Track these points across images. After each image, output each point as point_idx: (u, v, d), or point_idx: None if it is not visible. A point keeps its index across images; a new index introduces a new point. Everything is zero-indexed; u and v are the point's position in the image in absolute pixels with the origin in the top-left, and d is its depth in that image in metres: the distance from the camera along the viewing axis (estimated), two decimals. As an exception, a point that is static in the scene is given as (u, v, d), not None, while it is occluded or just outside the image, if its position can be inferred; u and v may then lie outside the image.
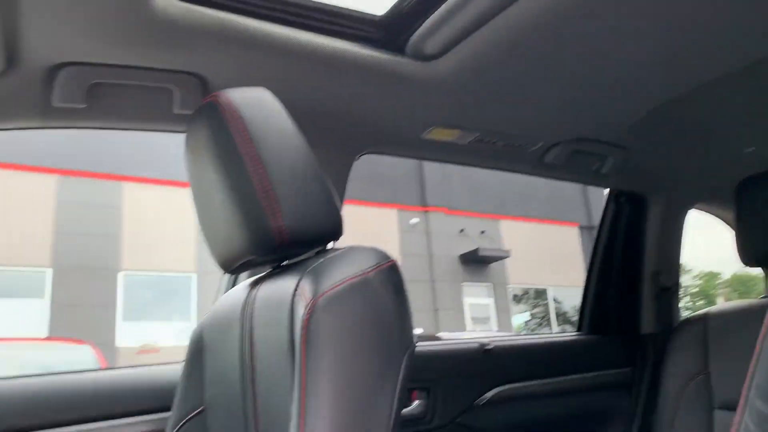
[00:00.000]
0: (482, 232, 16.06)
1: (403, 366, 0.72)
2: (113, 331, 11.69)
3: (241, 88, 0.86)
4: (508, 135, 1.42)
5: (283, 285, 0.78)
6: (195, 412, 0.97)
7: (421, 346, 1.58)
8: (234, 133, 0.79)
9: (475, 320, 15.28)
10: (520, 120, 1.38)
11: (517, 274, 16.25)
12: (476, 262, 15.81)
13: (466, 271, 15.79)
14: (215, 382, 0.93)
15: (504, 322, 15.61)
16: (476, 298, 15.79)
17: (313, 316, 0.69)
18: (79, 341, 7.28)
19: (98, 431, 1.11)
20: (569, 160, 1.55)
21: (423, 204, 15.82)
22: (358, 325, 0.70)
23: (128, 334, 11.80)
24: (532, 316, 16.49)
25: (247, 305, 0.87)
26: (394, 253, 15.49)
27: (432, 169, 15.45)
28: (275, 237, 0.78)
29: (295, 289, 0.74)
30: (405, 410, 1.45)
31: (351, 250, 0.79)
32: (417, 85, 1.21)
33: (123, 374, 1.23)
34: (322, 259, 0.77)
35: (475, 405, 1.53)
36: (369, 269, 0.74)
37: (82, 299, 11.56)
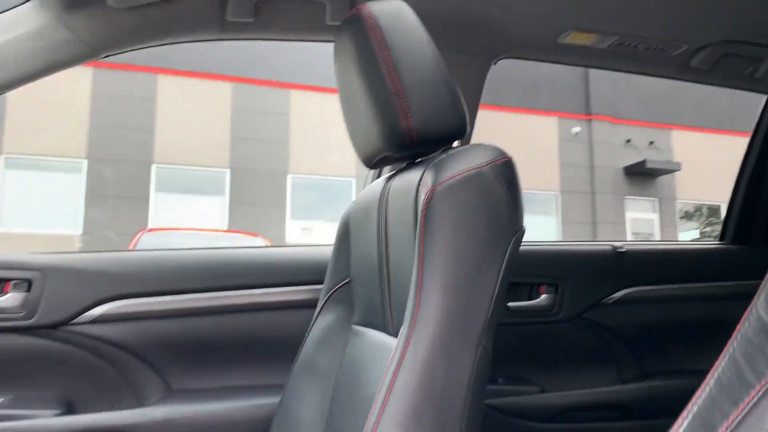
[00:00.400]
0: (651, 143, 15.05)
1: (509, 248, 0.82)
2: (283, 228, 12.79)
3: (383, 0, 0.95)
4: (649, 38, 1.38)
5: (411, 177, 0.90)
6: (342, 282, 1.15)
7: (552, 245, 1.65)
8: (373, 43, 0.90)
9: (637, 236, 14.65)
10: (662, 21, 1.33)
11: (688, 189, 15.17)
12: (642, 175, 14.95)
13: (630, 184, 15.03)
14: (358, 259, 1.10)
15: (669, 239, 14.81)
16: (639, 212, 15.07)
17: (431, 202, 0.80)
18: (253, 234, 8.14)
19: (265, 295, 1.35)
20: (718, 64, 1.47)
21: (586, 112, 15.06)
22: (469, 211, 0.80)
23: (295, 231, 12.86)
24: (703, 234, 15.44)
25: (383, 195, 1.00)
26: (552, 163, 15.08)
27: (598, 75, 14.54)
28: (405, 136, 0.90)
29: (420, 180, 0.85)
30: (532, 302, 1.56)
31: (471, 147, 0.88)
32: None
33: (287, 252, 1.46)
34: (444, 156, 0.87)
35: (603, 303, 1.59)
36: (484, 164, 0.83)
37: (255, 198, 12.71)
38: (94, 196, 11.80)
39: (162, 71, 12.15)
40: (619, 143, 15.04)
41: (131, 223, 11.52)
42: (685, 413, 0.45)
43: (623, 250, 1.63)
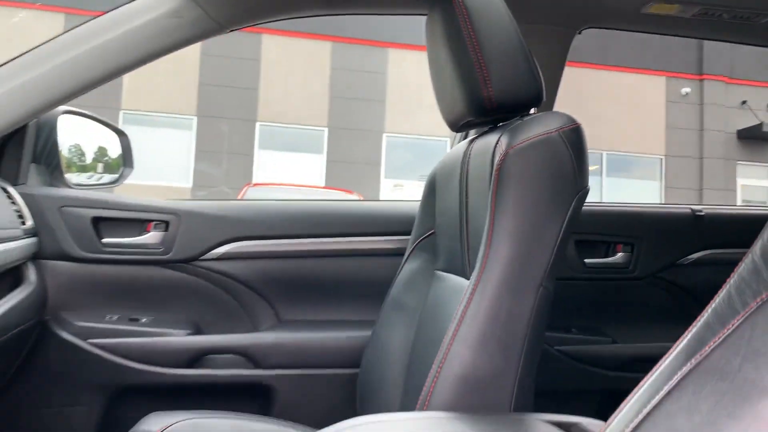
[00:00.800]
0: (769, 104, 14.04)
1: (572, 205, 0.93)
2: (377, 186, 13.08)
3: None
4: (733, 7, 1.39)
5: (490, 140, 1.02)
6: (428, 233, 1.30)
7: (629, 206, 1.72)
8: (460, 20, 1.02)
9: (748, 204, 13.84)
10: None
11: (810, 155, 14.11)
12: (757, 139, 14.01)
13: (743, 149, 14.15)
14: (441, 213, 1.24)
15: (782, 208, 13.89)
16: (753, 179, 14.19)
17: (503, 163, 0.93)
18: (349, 191, 8.43)
19: (360, 242, 1.52)
20: None
21: (698, 72, 14.20)
22: (536, 172, 0.92)
23: (388, 190, 13.12)
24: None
25: (466, 155, 1.13)
26: (659, 125, 14.39)
27: (712, 31, 13.61)
28: (485, 103, 1.02)
29: (496, 143, 0.98)
30: (608, 259, 1.64)
31: (544, 115, 0.99)
32: None
33: (379, 206, 1.63)
34: (520, 122, 0.99)
35: (680, 263, 1.65)
36: (553, 130, 0.95)
37: (351, 156, 13.04)
38: (202, 151, 12.53)
39: (266, 31, 12.56)
40: (734, 105, 14.12)
41: (237, 177, 12.18)
42: (686, 333, 0.57)
43: (702, 213, 1.67)
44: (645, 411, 0.55)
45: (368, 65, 13.25)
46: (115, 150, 1.76)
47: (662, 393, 0.55)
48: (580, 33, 1.51)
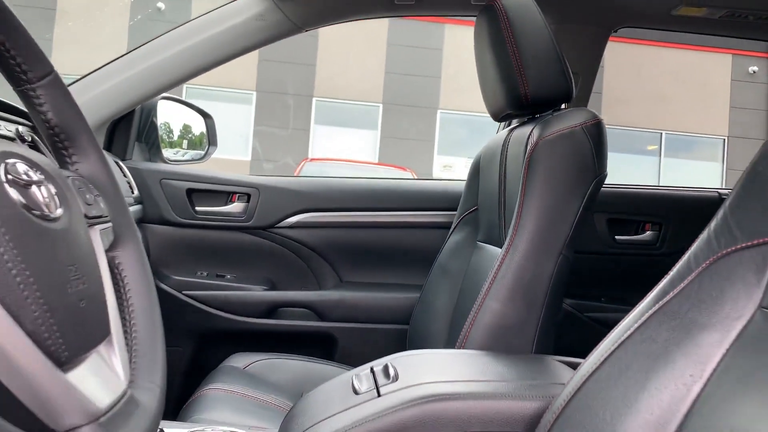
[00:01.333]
0: (842, 85, 13.46)
1: (590, 188, 1.12)
2: (430, 163, 13.22)
3: None
4: (758, 9, 1.51)
5: (525, 131, 1.21)
6: (471, 209, 1.50)
7: (658, 188, 1.87)
8: (502, 27, 1.21)
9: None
10: None
11: None
12: (827, 121, 13.49)
13: (811, 131, 13.63)
14: (483, 191, 1.43)
15: None
16: (821, 163, 13.65)
17: (534, 152, 1.12)
18: (402, 168, 8.63)
19: (412, 216, 1.73)
20: None
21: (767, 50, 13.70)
22: (561, 160, 1.11)
23: (441, 166, 13.25)
24: None
25: (505, 143, 1.32)
26: (721, 105, 13.99)
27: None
28: (522, 99, 1.21)
29: (529, 134, 1.17)
30: (637, 236, 1.81)
31: (571, 111, 1.17)
32: None
33: (429, 184, 1.83)
34: (550, 116, 1.18)
35: None
36: (577, 125, 1.13)
37: (405, 133, 13.20)
38: (261, 125, 12.91)
39: (324, 8, 12.74)
40: (804, 84, 13.61)
41: (294, 152, 12.53)
42: (656, 287, 0.76)
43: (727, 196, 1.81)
44: (619, 341, 0.75)
45: (425, 41, 13.31)
46: (198, 129, 2.02)
47: (632, 328, 0.75)
48: (615, 32, 1.67)
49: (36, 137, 1.04)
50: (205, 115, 1.93)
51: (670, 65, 13.39)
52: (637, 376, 0.69)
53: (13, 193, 0.43)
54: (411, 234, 1.74)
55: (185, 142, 2.08)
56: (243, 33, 1.55)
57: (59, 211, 0.47)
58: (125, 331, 0.55)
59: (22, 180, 0.45)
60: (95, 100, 1.51)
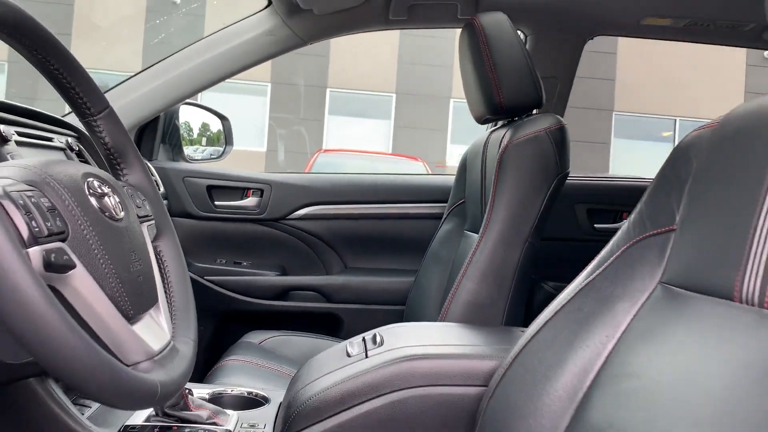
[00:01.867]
0: None
1: (553, 185, 1.30)
2: (443, 152, 13.35)
3: (491, 13, 1.42)
4: (718, 19, 1.66)
5: (500, 133, 1.39)
6: (460, 201, 1.68)
7: (635, 180, 2.04)
8: (480, 43, 1.39)
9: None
10: (727, 6, 1.61)
11: None
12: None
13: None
14: (469, 185, 1.62)
15: None
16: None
17: (504, 154, 1.30)
18: (414, 158, 8.79)
19: (407, 207, 1.91)
20: None
21: (783, 34, 13.60)
22: (527, 161, 1.29)
23: (455, 156, 13.37)
24: None
25: (486, 143, 1.50)
26: (737, 91, 13.95)
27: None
28: (498, 106, 1.39)
29: (502, 137, 1.35)
30: (615, 224, 1.98)
31: (538, 117, 1.35)
32: None
33: (421, 178, 2.02)
34: (521, 121, 1.36)
35: None
36: (542, 129, 1.31)
37: (418, 122, 13.33)
38: (276, 116, 13.12)
39: None
40: (820, 69, 13.52)
41: (309, 142, 12.73)
42: (587, 267, 0.94)
43: None
44: (555, 311, 0.94)
45: (437, 31, 13.38)
46: (215, 127, 2.21)
47: (566, 300, 0.93)
48: (591, 39, 1.83)
49: (81, 147, 1.25)
50: (222, 118, 2.13)
51: (684, 51, 13.36)
52: (567, 338, 0.88)
53: (94, 202, 0.63)
54: (407, 224, 1.93)
55: (204, 139, 2.29)
56: (254, 47, 1.74)
57: (122, 214, 0.67)
58: (167, 300, 0.75)
59: (98, 192, 0.64)
60: (126, 107, 1.71)
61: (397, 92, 13.39)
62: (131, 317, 0.62)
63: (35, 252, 0.51)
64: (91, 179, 0.65)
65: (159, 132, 1.89)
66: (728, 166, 0.73)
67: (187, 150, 2.04)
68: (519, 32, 1.78)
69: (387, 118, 13.46)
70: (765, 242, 0.63)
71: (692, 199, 0.78)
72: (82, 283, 0.56)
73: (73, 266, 0.55)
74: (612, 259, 0.90)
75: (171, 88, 1.75)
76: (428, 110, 13.36)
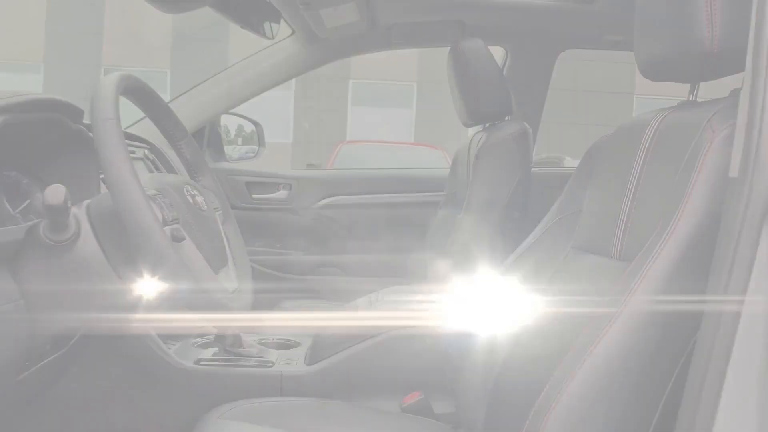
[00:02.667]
0: None
1: (517, 180, 1.66)
2: (467, 140, 13.58)
3: (471, 39, 1.79)
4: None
5: (477, 137, 1.77)
6: (452, 191, 2.06)
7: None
8: (461, 63, 1.76)
9: None
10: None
11: None
12: None
13: None
14: (458, 176, 2.00)
15: None
16: None
17: (478, 154, 1.68)
18: (433, 146, 9.10)
19: (410, 196, 2.30)
20: None
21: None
22: (495, 161, 1.66)
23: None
24: None
25: (470, 144, 1.87)
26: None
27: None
28: (475, 113, 1.76)
29: (479, 141, 1.72)
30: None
31: (507, 123, 1.72)
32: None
33: (419, 172, 2.40)
34: (493, 127, 1.73)
35: None
36: (508, 134, 1.68)
37: (440, 111, 13.58)
38: (301, 108, 13.51)
39: (357, -7, 13.16)
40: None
41: (332, 134, 13.11)
42: (532, 234, 1.31)
43: None
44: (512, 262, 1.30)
45: (456, 20, 13.57)
46: (248, 128, 2.61)
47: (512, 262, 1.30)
48: (564, 51, 2.17)
49: (155, 156, 1.66)
50: (255, 124, 2.53)
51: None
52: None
53: (190, 200, 1.02)
54: (410, 210, 2.32)
55: (240, 139, 2.71)
56: (279, 69, 2.13)
57: (206, 207, 1.06)
58: (233, 262, 1.15)
59: (191, 193, 1.04)
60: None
61: (419, 81, 13.65)
62: (215, 270, 1.02)
63: (166, 230, 0.91)
64: (187, 186, 1.05)
65: (205, 139, 2.29)
66: (614, 163, 1.08)
67: (227, 149, 2.44)
68: (500, 48, 2.15)
69: (409, 108, 13.75)
70: (627, 215, 0.96)
71: (592, 187, 1.14)
72: (189, 249, 0.96)
73: (184, 238, 0.94)
74: (540, 234, 1.27)
75: (214, 103, 2.15)
76: (449, 99, 13.57)
